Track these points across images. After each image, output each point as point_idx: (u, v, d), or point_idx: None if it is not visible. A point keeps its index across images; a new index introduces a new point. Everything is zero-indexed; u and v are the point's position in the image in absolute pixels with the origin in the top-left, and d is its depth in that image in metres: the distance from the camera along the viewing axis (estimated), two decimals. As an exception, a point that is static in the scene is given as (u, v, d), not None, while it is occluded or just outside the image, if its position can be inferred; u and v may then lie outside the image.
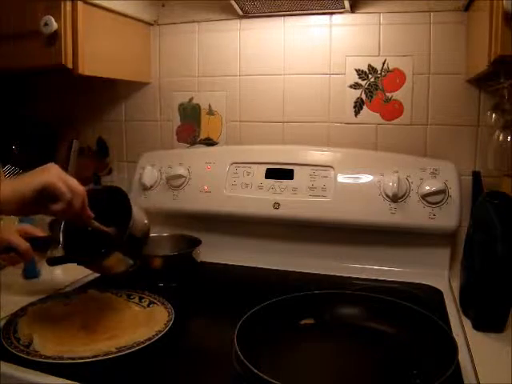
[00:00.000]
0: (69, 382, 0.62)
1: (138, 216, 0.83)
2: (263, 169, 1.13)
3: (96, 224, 0.78)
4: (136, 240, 0.82)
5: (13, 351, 0.67)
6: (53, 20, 0.98)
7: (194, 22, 1.26)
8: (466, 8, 1.05)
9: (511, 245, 0.74)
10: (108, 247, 0.79)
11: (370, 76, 1.14)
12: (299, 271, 1.06)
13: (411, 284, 0.99)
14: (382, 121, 1.14)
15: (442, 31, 1.08)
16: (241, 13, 1.18)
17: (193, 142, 1.31)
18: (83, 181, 1.33)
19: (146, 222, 0.85)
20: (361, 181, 1.06)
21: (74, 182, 0.70)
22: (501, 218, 0.76)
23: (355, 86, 1.15)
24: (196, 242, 1.03)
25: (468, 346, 0.73)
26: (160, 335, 0.72)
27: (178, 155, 1.23)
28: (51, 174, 0.69)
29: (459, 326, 0.79)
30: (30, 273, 1.01)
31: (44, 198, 0.68)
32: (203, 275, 1.03)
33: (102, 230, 0.79)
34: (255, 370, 0.57)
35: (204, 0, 1.23)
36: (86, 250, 0.81)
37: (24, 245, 0.75)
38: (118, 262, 0.81)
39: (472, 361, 0.68)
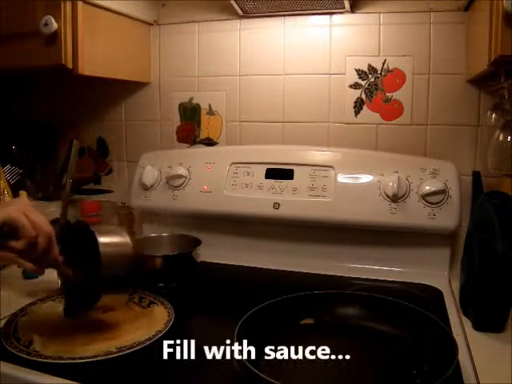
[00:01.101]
0: (69, 381, 0.62)
1: (116, 253, 0.72)
2: (263, 169, 1.13)
3: (65, 269, 0.72)
4: (121, 278, 0.72)
5: (13, 351, 0.67)
6: (53, 20, 0.98)
7: (194, 22, 1.26)
8: (466, 8, 1.05)
9: (511, 245, 0.74)
10: (90, 295, 0.72)
11: (370, 76, 1.14)
12: (299, 271, 1.06)
13: (411, 284, 0.99)
14: (382, 121, 1.14)
15: (442, 31, 1.08)
16: (241, 13, 1.18)
17: (193, 142, 1.31)
18: (83, 181, 1.35)
19: (128, 253, 0.73)
20: (361, 181, 1.06)
21: (40, 219, 0.64)
22: (501, 217, 0.76)
23: (355, 86, 1.15)
24: (196, 242, 1.03)
25: (468, 346, 0.73)
26: (160, 335, 0.72)
27: (178, 155, 1.23)
28: (14, 209, 0.63)
29: (459, 326, 0.79)
30: (30, 273, 1.01)
31: (5, 234, 0.62)
32: (203, 275, 1.03)
33: (69, 276, 0.73)
34: (255, 370, 0.57)
35: (204, 0, 1.23)
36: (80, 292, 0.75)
37: (29, 266, 0.68)
38: (114, 300, 0.75)
39: (472, 361, 0.68)
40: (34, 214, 0.64)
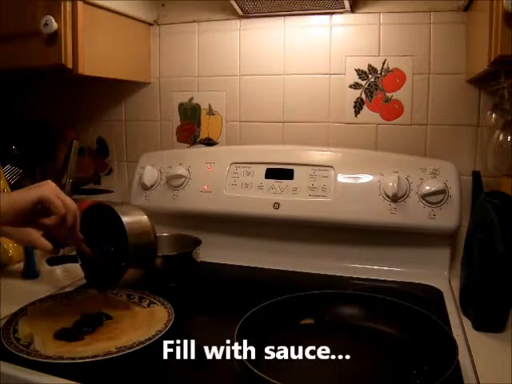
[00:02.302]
0: (69, 381, 0.62)
1: (138, 228, 0.82)
2: (263, 169, 1.13)
3: (85, 248, 0.79)
4: (144, 252, 0.82)
5: (13, 351, 0.67)
6: (53, 20, 0.98)
7: (193, 22, 1.26)
8: (466, 8, 1.05)
9: (511, 245, 0.74)
10: (115, 271, 0.80)
11: (370, 76, 1.14)
12: (299, 271, 1.06)
13: (411, 284, 0.99)
14: (382, 121, 1.14)
15: (442, 31, 1.08)
16: (241, 13, 1.18)
17: (193, 142, 1.31)
18: (83, 181, 1.35)
19: (148, 229, 0.83)
20: (361, 181, 1.06)
21: (68, 199, 0.73)
22: (501, 217, 0.76)
23: (355, 86, 1.15)
24: (196, 242, 1.03)
25: (468, 346, 0.73)
26: (160, 335, 0.72)
27: (177, 155, 1.23)
28: (47, 189, 0.71)
29: (459, 326, 0.79)
30: (30, 273, 1.01)
31: (38, 211, 0.70)
32: (203, 275, 1.03)
33: (87, 254, 0.81)
34: (255, 370, 0.57)
35: (204, 0, 1.23)
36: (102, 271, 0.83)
37: (48, 247, 0.76)
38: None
39: (472, 361, 0.68)
40: (63, 195, 0.72)
